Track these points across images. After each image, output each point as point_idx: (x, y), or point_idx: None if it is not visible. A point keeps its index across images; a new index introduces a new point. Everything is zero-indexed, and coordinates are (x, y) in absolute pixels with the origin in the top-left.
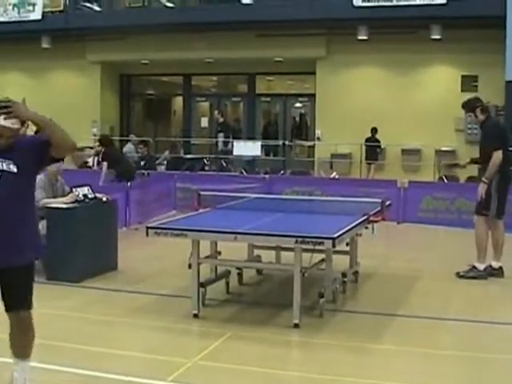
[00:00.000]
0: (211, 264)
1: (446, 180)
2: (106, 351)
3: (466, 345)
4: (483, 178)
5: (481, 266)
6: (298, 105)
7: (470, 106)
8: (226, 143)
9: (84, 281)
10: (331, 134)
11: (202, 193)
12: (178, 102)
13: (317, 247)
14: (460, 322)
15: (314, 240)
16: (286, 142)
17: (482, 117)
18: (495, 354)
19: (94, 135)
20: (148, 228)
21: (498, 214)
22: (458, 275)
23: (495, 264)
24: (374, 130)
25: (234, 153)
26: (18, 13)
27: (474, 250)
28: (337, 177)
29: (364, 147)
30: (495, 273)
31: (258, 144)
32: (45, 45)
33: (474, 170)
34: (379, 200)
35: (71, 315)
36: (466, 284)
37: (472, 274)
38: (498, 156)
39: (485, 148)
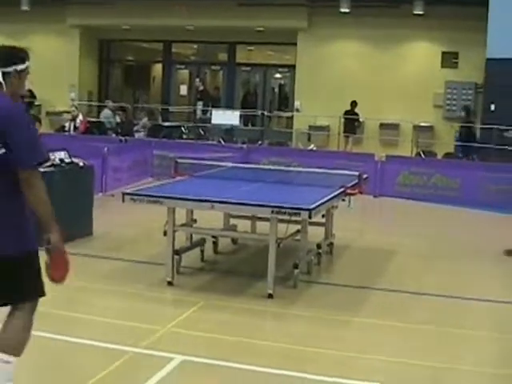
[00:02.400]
0: (186, 232)
1: (423, 155)
2: (79, 316)
3: (441, 320)
4: None
5: None
6: (277, 75)
7: None
8: (204, 112)
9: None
10: (310, 105)
11: (179, 160)
12: (158, 69)
13: (293, 218)
14: (435, 297)
15: (290, 210)
16: (265, 113)
17: None
18: (469, 329)
19: (72, 100)
20: (124, 194)
21: None
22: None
23: None
24: (354, 104)
25: (213, 121)
26: None
27: (449, 224)
28: (314, 149)
29: (342, 120)
30: None
31: (237, 113)
32: (24, 7)
33: (450, 147)
34: (356, 173)
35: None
36: (443, 260)
37: None
38: None
39: None
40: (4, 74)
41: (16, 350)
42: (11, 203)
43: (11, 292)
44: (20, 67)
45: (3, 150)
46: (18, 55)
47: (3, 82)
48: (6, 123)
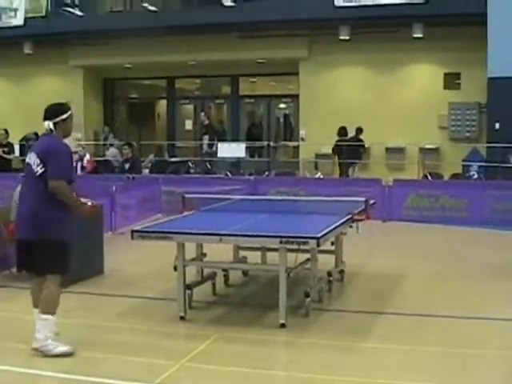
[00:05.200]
0: (197, 266)
1: (430, 177)
2: (93, 355)
3: (451, 341)
4: None
5: None
6: (281, 106)
7: None
8: (210, 145)
9: (70, 286)
10: (315, 134)
11: (186, 195)
12: (162, 105)
13: (301, 247)
14: (445, 319)
15: (298, 240)
16: (271, 143)
17: None
18: (480, 349)
19: (78, 140)
20: (133, 232)
21: None
22: None
23: None
24: (359, 130)
25: (219, 155)
26: (0, 19)
27: (457, 245)
28: (321, 177)
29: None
30: None
31: (243, 146)
32: (27, 50)
33: (457, 168)
34: (363, 199)
35: (57, 320)
36: (452, 281)
37: None
38: None
39: None
40: (54, 124)
41: (47, 309)
42: (47, 204)
43: (39, 266)
44: (64, 117)
45: (43, 170)
46: (62, 109)
47: (54, 129)
48: (47, 155)
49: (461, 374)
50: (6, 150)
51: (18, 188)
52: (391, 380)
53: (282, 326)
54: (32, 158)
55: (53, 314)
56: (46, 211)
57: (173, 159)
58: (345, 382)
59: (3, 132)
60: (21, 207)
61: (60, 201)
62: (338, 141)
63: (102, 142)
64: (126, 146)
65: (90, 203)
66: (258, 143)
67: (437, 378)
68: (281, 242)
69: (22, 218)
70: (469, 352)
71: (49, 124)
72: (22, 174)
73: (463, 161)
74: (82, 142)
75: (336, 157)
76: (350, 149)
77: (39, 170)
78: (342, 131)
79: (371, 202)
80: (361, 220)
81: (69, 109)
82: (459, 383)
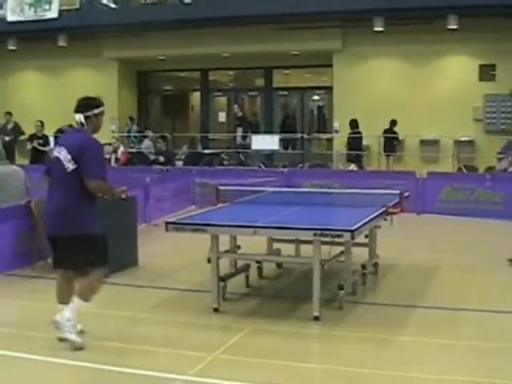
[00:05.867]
0: (231, 258)
1: (465, 170)
2: (128, 347)
3: (485, 335)
4: None
5: None
6: (315, 98)
7: None
8: (244, 137)
9: (105, 278)
10: (347, 126)
11: (220, 187)
12: (196, 97)
13: (336, 240)
14: (480, 313)
15: (332, 232)
16: (304, 136)
17: None
18: None
19: (113, 132)
20: (167, 223)
21: None
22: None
23: None
24: (393, 123)
25: (253, 147)
26: (35, 12)
27: (493, 238)
28: (355, 169)
29: (382, 139)
30: None
31: (276, 138)
32: (61, 43)
33: (492, 160)
34: (397, 192)
35: (93, 312)
36: (486, 274)
37: None
38: None
39: None
40: (85, 117)
41: (84, 296)
42: (80, 200)
43: (79, 261)
44: (96, 111)
45: (75, 166)
46: (94, 103)
47: (85, 123)
48: (79, 151)
49: (495, 369)
50: (41, 142)
51: None
52: (426, 374)
53: (316, 318)
54: (62, 153)
55: (86, 301)
56: (78, 206)
57: (206, 151)
58: (379, 376)
59: (39, 124)
60: (50, 204)
61: (90, 194)
62: (350, 133)
63: (125, 134)
64: (159, 139)
65: (124, 188)
66: (291, 135)
67: (472, 372)
68: (315, 235)
69: (53, 214)
70: (503, 346)
71: (80, 117)
72: (43, 166)
73: (498, 153)
74: (116, 134)
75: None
76: (385, 141)
77: (71, 166)
78: (354, 123)
79: (405, 194)
80: (395, 213)
81: (102, 104)
82: (494, 378)
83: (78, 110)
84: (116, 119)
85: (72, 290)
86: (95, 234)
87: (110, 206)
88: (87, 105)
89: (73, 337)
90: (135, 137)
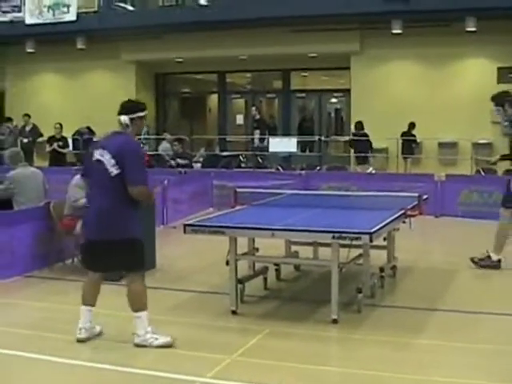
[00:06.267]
0: (249, 260)
1: (483, 173)
2: (145, 349)
3: (505, 339)
4: None
5: (495, 257)
6: (333, 100)
7: (499, 100)
8: (261, 140)
9: (124, 279)
10: (367, 128)
11: (238, 190)
12: (213, 100)
13: (354, 242)
14: (499, 316)
15: (351, 235)
16: (322, 138)
17: (510, 111)
18: None
19: None
20: (185, 226)
21: None
22: (473, 261)
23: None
24: (412, 125)
25: (270, 149)
26: (53, 14)
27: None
28: (373, 172)
29: (400, 142)
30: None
31: (294, 140)
32: (80, 45)
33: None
34: (416, 194)
35: (112, 314)
36: (505, 277)
37: (485, 263)
38: None
39: None
40: (131, 119)
41: (138, 307)
42: (122, 204)
43: (119, 265)
44: (141, 114)
45: (119, 171)
46: (140, 106)
47: (130, 125)
48: (124, 157)
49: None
50: (60, 143)
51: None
52: (446, 378)
53: (334, 321)
54: (106, 157)
55: (144, 309)
56: (121, 210)
57: (224, 153)
58: (399, 380)
59: (58, 126)
60: (92, 207)
61: (132, 199)
62: (353, 134)
63: (153, 137)
64: (175, 142)
65: (157, 190)
66: (309, 138)
67: (492, 376)
68: (333, 237)
69: (95, 219)
70: None
71: (125, 119)
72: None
73: None
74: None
75: (352, 150)
76: (403, 143)
77: (114, 170)
78: (359, 125)
79: (424, 197)
80: (414, 215)
81: (146, 108)
82: None
83: (123, 112)
84: None
85: (98, 292)
86: (135, 238)
87: None
88: (133, 107)
89: (162, 341)
90: (146, 139)
